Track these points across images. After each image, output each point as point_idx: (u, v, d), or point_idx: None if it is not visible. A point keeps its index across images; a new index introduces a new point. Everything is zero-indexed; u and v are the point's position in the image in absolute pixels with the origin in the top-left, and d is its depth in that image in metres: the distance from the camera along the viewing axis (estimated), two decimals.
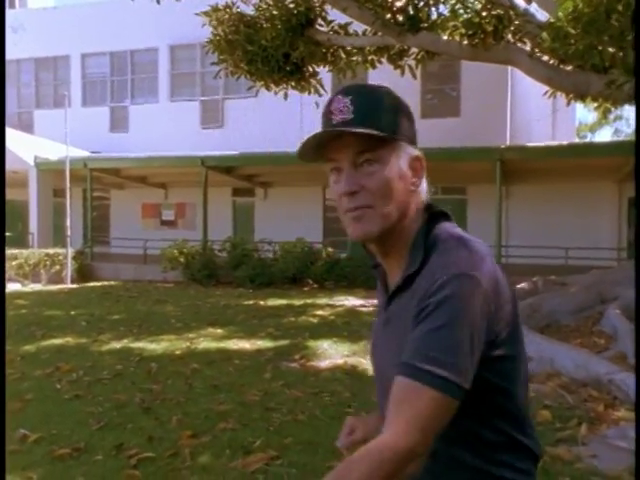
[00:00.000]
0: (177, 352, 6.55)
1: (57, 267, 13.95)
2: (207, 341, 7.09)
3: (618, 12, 6.57)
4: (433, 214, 1.12)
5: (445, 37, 9.12)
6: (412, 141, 1.10)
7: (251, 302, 10.53)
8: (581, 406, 4.58)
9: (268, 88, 11.72)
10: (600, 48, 7.05)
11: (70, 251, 13.91)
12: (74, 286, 13.48)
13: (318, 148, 1.07)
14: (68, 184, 13.60)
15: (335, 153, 1.05)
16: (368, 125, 1.01)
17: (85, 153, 16.77)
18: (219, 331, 7.73)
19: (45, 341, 7.16)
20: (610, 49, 7.24)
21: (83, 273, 14.62)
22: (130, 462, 3.56)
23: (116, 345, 6.94)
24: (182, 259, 13.70)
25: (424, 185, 1.14)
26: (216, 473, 3.41)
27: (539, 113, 16.21)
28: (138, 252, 16.49)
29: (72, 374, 5.62)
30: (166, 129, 18.34)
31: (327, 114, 1.07)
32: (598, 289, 8.45)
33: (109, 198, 19.59)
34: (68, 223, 13.61)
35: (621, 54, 7.28)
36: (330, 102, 1.08)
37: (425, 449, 0.91)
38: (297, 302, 10.48)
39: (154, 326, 8.09)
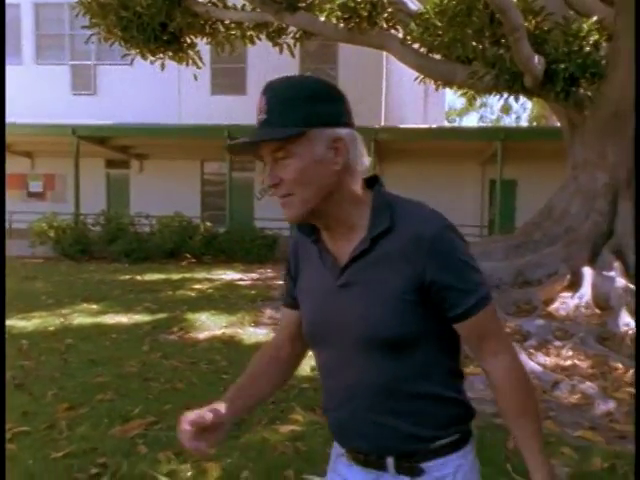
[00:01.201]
0: (50, 328, 6.41)
1: None
2: (82, 317, 6.98)
3: (478, 10, 7.19)
4: (369, 182, 1.23)
5: (322, 18, 9.41)
6: (333, 123, 1.16)
7: (127, 277, 10.37)
8: None
9: (144, 57, 11.41)
10: (462, 42, 7.66)
11: None
12: None
13: (245, 147, 1.22)
14: None
15: (260, 152, 1.19)
16: (279, 124, 1.11)
17: None
18: (94, 307, 7.61)
19: None
20: (472, 43, 7.89)
21: None
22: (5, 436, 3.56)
23: None
24: (52, 233, 13.10)
25: (358, 158, 1.19)
26: (94, 441, 3.50)
27: (412, 96, 17.11)
28: None
29: None
30: (32, 93, 17.16)
31: (256, 110, 1.18)
32: None
33: None
34: None
35: (481, 48, 7.97)
36: (258, 99, 1.18)
37: None
38: (175, 276, 10.48)
39: (23, 303, 7.78)
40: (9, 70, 17.60)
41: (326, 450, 3.23)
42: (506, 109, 27.27)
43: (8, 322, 6.68)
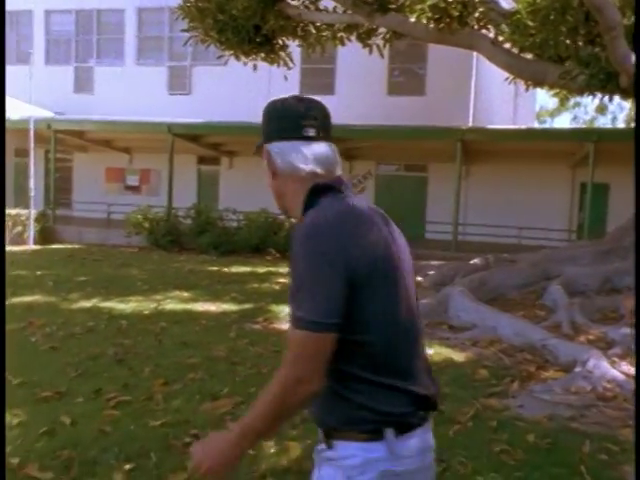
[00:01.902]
0: (145, 312, 6.90)
1: (19, 228, 13.96)
2: (174, 303, 7.46)
3: (573, 8, 7.06)
4: (313, 188, 1.39)
5: (412, 19, 9.49)
6: (272, 137, 1.45)
7: (215, 268, 10.88)
8: (515, 367, 5.15)
9: (238, 58, 11.88)
10: (555, 42, 7.53)
11: (33, 212, 13.94)
12: (37, 247, 13.56)
13: None
14: (32, 145, 13.57)
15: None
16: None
17: (48, 113, 16.61)
18: (185, 294, 8.09)
19: (14, 298, 7.39)
20: (565, 42, 7.74)
21: (45, 235, 14.67)
22: (109, 404, 3.96)
23: (85, 304, 7.25)
24: (146, 224, 13.89)
25: (296, 165, 1.40)
26: (187, 414, 3.83)
27: (502, 96, 16.80)
28: (101, 216, 16.58)
29: (45, 329, 5.94)
30: (132, 92, 18.24)
31: None
32: (544, 266, 9.08)
33: (72, 160, 19.44)
34: (31, 184, 13.61)
35: (575, 47, 7.80)
36: None
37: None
38: (260, 270, 10.88)
39: (121, 288, 8.39)
40: (113, 71, 18.80)
41: None
42: (601, 109, 26.07)
43: (108, 304, 7.27)
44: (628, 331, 5.96)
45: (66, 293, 7.90)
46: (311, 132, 1.40)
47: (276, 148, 1.43)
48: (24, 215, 14.04)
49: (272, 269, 11.09)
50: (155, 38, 18.62)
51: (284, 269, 11.15)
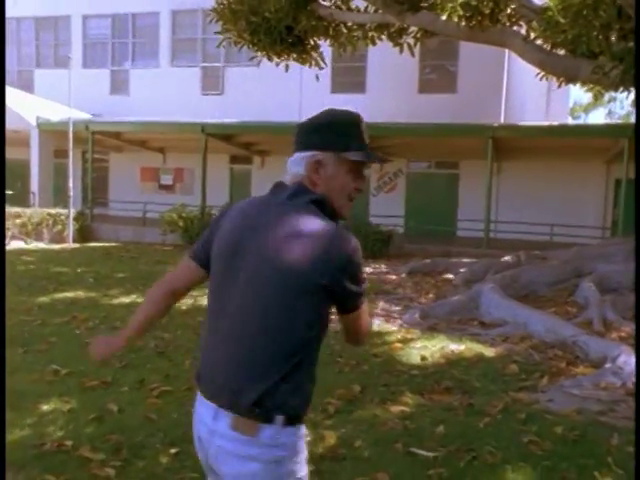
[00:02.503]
0: (182, 307, 7.11)
1: (59, 227, 14.42)
2: None
3: (605, 4, 7.04)
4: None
5: (443, 17, 9.54)
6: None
7: None
8: (546, 363, 5.22)
9: (270, 59, 12.06)
10: (588, 37, 7.52)
11: (72, 211, 14.39)
12: (76, 245, 13.99)
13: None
14: (71, 145, 14.00)
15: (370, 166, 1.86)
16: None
17: (86, 115, 17.10)
18: None
19: (58, 294, 7.72)
20: (598, 37, 7.72)
21: (83, 233, 15.12)
22: (152, 393, 4.17)
23: (125, 300, 7.52)
24: (181, 223, 14.20)
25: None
26: None
27: (534, 92, 16.67)
28: (136, 214, 16.99)
29: (89, 322, 6.21)
30: (166, 94, 18.64)
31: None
32: (576, 264, 9.07)
33: (108, 160, 19.96)
34: (70, 184, 14.03)
35: (608, 43, 7.77)
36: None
37: None
38: None
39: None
40: (148, 73, 19.21)
41: (434, 429, 3.53)
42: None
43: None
44: None
45: (106, 289, 8.20)
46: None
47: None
48: (63, 214, 14.49)
49: None
50: (189, 40, 18.99)
51: None
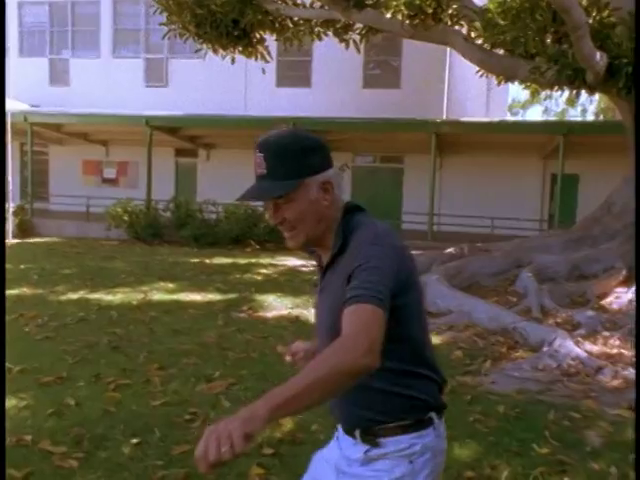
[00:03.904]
0: (133, 302, 7.13)
1: None
2: (160, 293, 7.69)
3: (541, 8, 7.42)
4: (347, 209, 1.48)
5: (388, 15, 9.79)
6: (320, 168, 1.43)
7: (197, 260, 11.10)
8: (489, 348, 5.54)
9: (216, 52, 12.05)
10: (525, 39, 7.90)
11: (11, 206, 13.97)
12: (16, 241, 13.60)
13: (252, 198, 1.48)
14: (9, 137, 13.58)
15: (262, 199, 1.48)
16: (277, 178, 1.39)
17: (24, 106, 16.57)
18: (170, 285, 8.32)
19: None
20: (535, 39, 8.11)
21: (23, 229, 14.70)
22: (109, 387, 4.22)
23: (73, 296, 7.44)
24: (126, 217, 14.02)
25: (339, 192, 1.48)
26: (185, 395, 4.11)
27: (475, 89, 17.21)
28: (79, 209, 16.61)
29: (37, 320, 6.14)
30: (109, 85, 18.25)
31: (254, 165, 1.45)
32: (516, 255, 9.49)
33: (47, 153, 19.37)
34: (10, 177, 13.63)
35: (544, 45, 8.18)
36: (254, 154, 1.44)
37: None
38: (242, 261, 11.14)
39: (106, 280, 8.58)
40: (89, 63, 18.76)
41: None
42: (571, 101, 26.75)
43: (95, 296, 7.48)
44: (593, 314, 6.40)
45: (52, 286, 8.08)
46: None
47: (334, 175, 1.47)
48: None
49: (253, 260, 11.36)
50: (131, 30, 18.62)
51: (265, 260, 11.44)
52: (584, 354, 5.06)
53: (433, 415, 1.46)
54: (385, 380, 1.39)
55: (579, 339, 5.57)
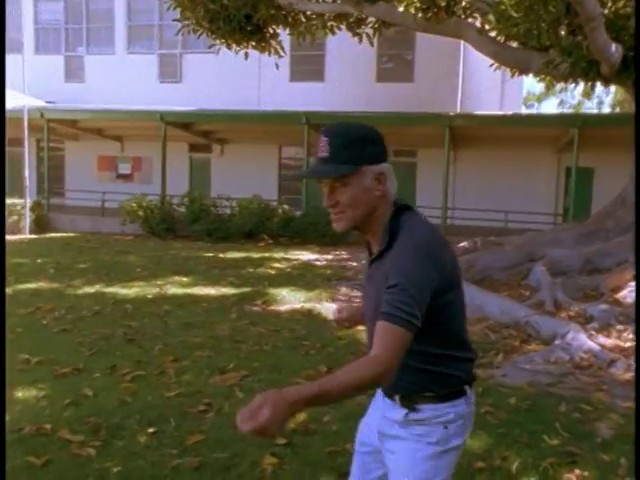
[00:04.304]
0: (148, 296, 7.22)
1: (14, 217, 14.18)
2: (175, 287, 7.77)
3: (554, 0, 7.38)
4: (398, 208, 1.57)
5: (401, 9, 9.78)
6: (377, 160, 1.54)
7: (211, 254, 11.18)
8: (501, 342, 5.55)
9: (229, 47, 12.10)
10: (539, 31, 7.86)
11: (28, 202, 14.16)
12: (33, 236, 13.79)
13: (310, 176, 1.68)
14: (26, 134, 13.75)
15: (321, 180, 1.61)
16: (337, 162, 1.50)
17: (40, 102, 16.75)
18: (184, 279, 8.40)
19: (20, 285, 7.69)
20: (548, 32, 8.08)
21: (40, 224, 14.89)
22: (125, 378, 4.30)
23: (89, 290, 7.55)
24: (141, 212, 14.14)
25: (391, 187, 1.58)
26: (198, 386, 4.18)
27: (489, 82, 17.11)
28: (93, 204, 16.77)
29: (54, 312, 6.25)
30: (123, 81, 18.39)
31: (317, 148, 1.57)
32: (529, 249, 9.46)
33: (63, 149, 19.58)
34: (26, 173, 13.81)
35: (557, 37, 8.14)
36: (318, 138, 1.57)
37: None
38: (255, 255, 11.20)
39: (121, 274, 8.69)
40: (103, 59, 18.91)
41: None
42: (587, 93, 26.48)
43: (111, 289, 7.58)
44: (606, 307, 6.37)
45: (69, 280, 8.20)
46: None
47: (389, 169, 1.58)
48: (19, 204, 14.25)
49: (266, 254, 11.42)
50: (145, 26, 18.74)
51: (278, 254, 11.49)
52: (597, 347, 5.06)
53: (466, 387, 1.62)
54: (429, 362, 1.56)
55: (592, 332, 5.57)
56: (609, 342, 5.37)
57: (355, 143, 1.52)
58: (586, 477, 2.93)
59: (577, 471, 2.98)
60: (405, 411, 1.60)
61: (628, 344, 5.33)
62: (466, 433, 1.65)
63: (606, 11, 7.99)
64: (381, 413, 1.69)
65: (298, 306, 6.90)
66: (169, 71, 18.52)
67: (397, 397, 1.62)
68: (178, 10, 11.70)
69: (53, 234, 14.51)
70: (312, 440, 3.34)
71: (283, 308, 6.81)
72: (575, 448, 3.23)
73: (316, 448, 3.25)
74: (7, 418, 3.54)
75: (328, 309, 6.68)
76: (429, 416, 1.58)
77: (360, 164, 1.51)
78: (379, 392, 1.76)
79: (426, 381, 1.58)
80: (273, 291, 7.66)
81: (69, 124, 16.75)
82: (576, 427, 3.50)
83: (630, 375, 4.56)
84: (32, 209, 14.60)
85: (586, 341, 5.16)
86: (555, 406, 3.84)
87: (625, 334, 5.57)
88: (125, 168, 19.11)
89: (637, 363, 4.70)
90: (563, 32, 8.11)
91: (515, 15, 7.82)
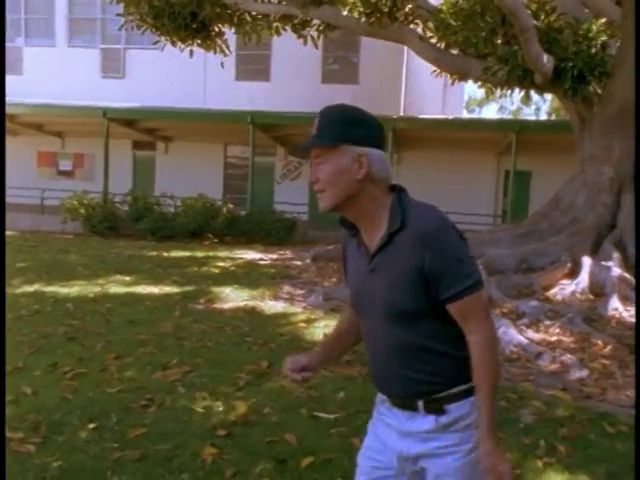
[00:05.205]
0: (90, 295, 7.16)
1: None
2: (117, 286, 7.73)
3: (491, 10, 7.73)
4: (398, 190, 1.56)
5: (345, 13, 10.00)
6: (360, 142, 1.50)
7: (154, 253, 11.12)
8: None
9: (174, 44, 12.05)
10: (477, 40, 8.21)
11: None
12: None
13: (301, 151, 1.64)
14: None
15: (309, 155, 1.61)
16: (321, 138, 1.49)
17: None
18: (127, 278, 8.35)
19: None
20: (485, 40, 8.44)
21: None
22: (66, 376, 4.30)
23: (28, 289, 7.43)
24: (82, 210, 13.89)
25: (380, 172, 1.52)
26: (141, 382, 4.23)
27: (432, 86, 17.59)
28: (33, 202, 16.36)
29: None
30: (64, 75, 17.95)
31: None
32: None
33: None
34: None
35: (494, 46, 8.52)
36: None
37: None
38: (199, 254, 11.20)
39: (62, 273, 8.56)
40: (43, 51, 18.41)
41: (335, 396, 3.93)
42: (525, 100, 27.50)
43: (51, 288, 7.48)
44: (536, 304, 6.74)
45: (7, 279, 8.01)
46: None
47: (375, 154, 1.52)
48: None
49: (210, 253, 11.44)
50: (87, 19, 18.36)
51: (222, 253, 11.52)
52: (525, 341, 5.36)
53: None
54: (448, 344, 1.49)
55: (522, 327, 5.89)
56: (537, 336, 5.70)
57: (340, 123, 1.51)
58: (508, 459, 3.16)
59: None
60: (433, 416, 1.52)
61: (554, 338, 5.67)
62: None
63: (539, 23, 8.41)
64: (397, 431, 1.59)
65: (242, 304, 6.99)
66: (112, 66, 18.21)
67: (420, 403, 1.53)
68: (121, 4, 11.57)
69: None
70: (252, 431, 3.46)
71: (227, 306, 6.89)
72: (500, 433, 3.45)
73: (256, 438, 3.37)
74: None
75: (271, 307, 6.82)
76: (457, 415, 1.50)
77: (338, 141, 1.49)
78: (380, 405, 1.67)
79: (450, 369, 1.51)
80: (217, 289, 7.72)
81: (7, 119, 16.23)
82: (502, 414, 3.73)
83: (555, 367, 4.87)
84: None
85: (516, 335, 5.46)
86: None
87: (552, 329, 5.91)
88: (66, 165, 18.69)
89: (637, 363, 4.82)
90: (500, 41, 8.48)
91: (454, 23, 8.15)
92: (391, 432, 1.59)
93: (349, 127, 1.50)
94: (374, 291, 1.53)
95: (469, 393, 1.49)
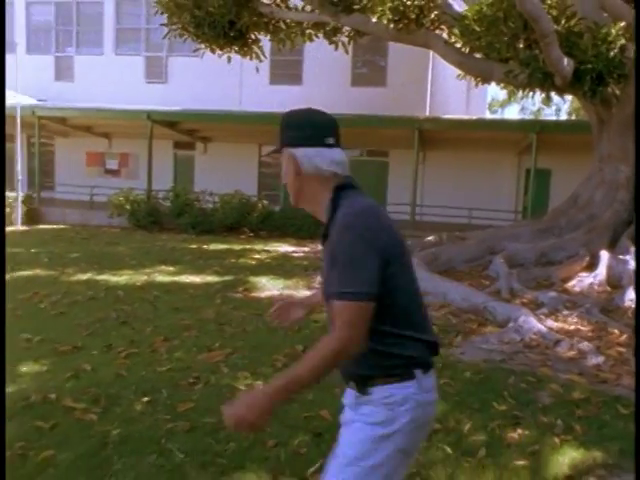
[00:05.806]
0: (138, 283, 7.38)
1: (7, 210, 14.14)
2: (162, 275, 7.94)
3: (513, 16, 7.69)
4: (338, 186, 1.60)
5: (374, 20, 10.03)
6: (294, 144, 1.60)
7: (195, 246, 11.34)
8: (461, 325, 5.85)
9: (213, 51, 12.23)
10: (499, 44, 8.17)
11: (20, 195, 14.12)
12: (25, 228, 13.78)
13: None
14: (19, 131, 13.70)
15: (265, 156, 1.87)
16: (276, 145, 1.65)
17: (32, 101, 16.66)
18: (171, 268, 8.56)
19: (16, 273, 7.78)
20: (508, 45, 8.40)
21: (31, 216, 14.87)
22: (120, 355, 4.49)
23: (82, 277, 7.68)
24: (128, 206, 14.21)
25: (309, 167, 1.60)
26: (188, 362, 4.39)
27: (456, 88, 17.47)
28: (82, 198, 16.77)
29: (51, 297, 6.39)
30: (111, 81, 18.34)
31: None
32: (490, 243, 9.81)
33: (53, 145, 19.47)
34: (19, 168, 13.77)
35: (516, 50, 8.47)
36: None
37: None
38: (236, 247, 11.39)
39: (112, 263, 8.82)
40: (92, 60, 18.81)
41: None
42: (546, 101, 27.11)
43: (102, 277, 7.72)
44: (555, 295, 6.73)
45: (62, 268, 8.30)
46: (331, 140, 1.63)
47: (301, 152, 1.60)
48: (11, 198, 14.21)
49: (247, 246, 11.61)
50: (132, 29, 18.70)
51: (258, 246, 11.69)
52: (544, 329, 5.38)
53: (417, 371, 1.56)
54: (375, 341, 1.50)
55: (541, 316, 5.90)
56: (556, 325, 5.71)
57: (281, 129, 1.65)
58: (527, 435, 3.23)
59: (519, 431, 3.27)
60: (356, 394, 1.60)
61: (572, 327, 5.68)
62: (420, 422, 1.58)
63: (559, 28, 8.34)
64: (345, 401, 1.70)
65: (277, 293, 7.13)
66: (155, 72, 18.52)
67: (352, 384, 1.62)
68: (165, 15, 11.79)
69: (44, 226, 14.50)
70: (290, 407, 3.57)
71: (263, 295, 7.03)
72: (519, 412, 3.52)
73: (294, 413, 3.49)
74: (14, 389, 3.73)
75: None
76: (376, 397, 1.55)
77: (282, 145, 1.63)
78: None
79: (375, 362, 1.54)
80: (254, 279, 7.87)
81: (59, 121, 16.69)
82: (522, 395, 3.80)
83: (572, 353, 4.89)
84: (23, 202, 14.57)
85: (536, 324, 5.48)
86: (505, 378, 4.14)
87: (570, 318, 5.91)
88: (113, 164, 19.08)
89: (637, 363, 4.75)
90: (521, 46, 8.43)
91: (478, 29, 8.12)
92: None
93: (285, 131, 1.63)
94: (322, 276, 1.68)
95: (393, 380, 1.54)
